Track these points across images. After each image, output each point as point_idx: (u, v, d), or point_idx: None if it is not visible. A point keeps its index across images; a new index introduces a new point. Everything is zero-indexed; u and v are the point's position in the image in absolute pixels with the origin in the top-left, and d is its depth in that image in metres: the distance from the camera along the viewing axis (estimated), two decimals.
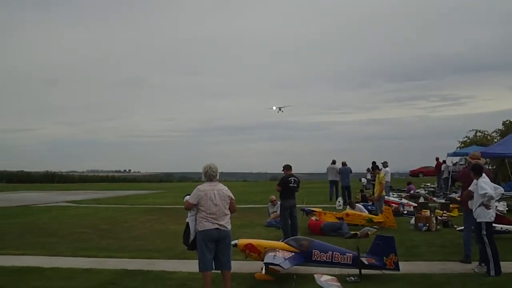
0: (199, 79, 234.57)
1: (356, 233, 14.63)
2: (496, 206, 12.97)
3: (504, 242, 12.02)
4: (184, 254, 11.25)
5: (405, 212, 20.37)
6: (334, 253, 9.86)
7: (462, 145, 39.44)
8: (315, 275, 7.95)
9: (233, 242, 9.40)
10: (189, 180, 71.98)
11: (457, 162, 33.99)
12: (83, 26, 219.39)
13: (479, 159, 11.08)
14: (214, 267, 8.44)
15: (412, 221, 16.48)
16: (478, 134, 39.85)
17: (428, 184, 35.93)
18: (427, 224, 15.64)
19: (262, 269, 9.59)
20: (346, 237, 14.36)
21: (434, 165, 35.75)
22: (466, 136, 40.63)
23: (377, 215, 17.43)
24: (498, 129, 38.39)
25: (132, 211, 24.54)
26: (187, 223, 8.67)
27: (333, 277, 8.17)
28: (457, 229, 13.72)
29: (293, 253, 9.88)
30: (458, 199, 19.27)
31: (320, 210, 17.88)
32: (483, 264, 9.97)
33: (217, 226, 8.28)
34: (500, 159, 30.26)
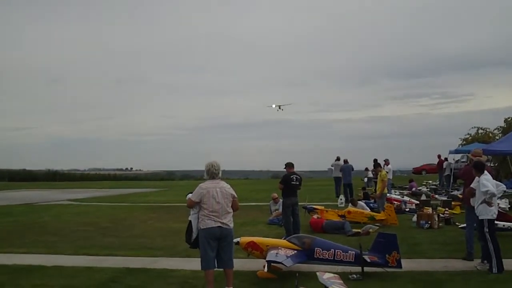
0: (201, 77, 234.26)
1: (359, 231, 14.64)
2: (498, 204, 12.93)
3: (506, 239, 12.01)
4: (186, 252, 11.26)
5: (407, 209, 20.36)
6: (337, 250, 9.84)
7: (464, 142, 39.44)
8: (317, 273, 7.92)
9: (235, 240, 9.40)
10: (191, 178, 72.01)
11: (458, 160, 33.93)
12: (84, 24, 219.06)
13: (481, 156, 11.07)
14: (216, 265, 8.45)
15: (414, 218, 16.47)
16: (480, 131, 39.87)
17: (430, 181, 35.87)
18: (429, 222, 15.62)
19: (264, 267, 9.57)
20: (348, 235, 14.35)
21: (436, 163, 35.70)
22: (468, 134, 40.68)
23: (379, 212, 17.41)
24: (500, 127, 38.43)
25: (134, 209, 24.58)
26: (190, 221, 8.66)
27: (335, 274, 8.14)
28: (459, 226, 13.70)
29: (295, 251, 9.86)
30: (460, 196, 19.24)
31: (322, 207, 17.87)
32: (485, 261, 9.96)
33: (219, 224, 8.29)
34: (502, 156, 30.25)
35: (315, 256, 9.86)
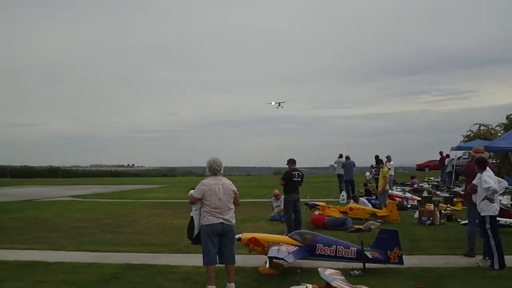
0: (203, 74, 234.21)
1: (360, 227, 14.64)
2: (500, 200, 12.92)
3: (508, 236, 12.02)
4: (188, 248, 11.28)
5: (408, 206, 20.35)
6: (338, 247, 9.85)
7: (466, 139, 39.40)
8: (319, 269, 7.92)
9: (237, 236, 9.40)
10: (192, 174, 72.01)
11: (460, 157, 33.91)
12: (86, 21, 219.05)
13: (483, 153, 11.04)
14: (218, 261, 8.45)
15: (416, 215, 16.47)
16: (482, 128, 39.81)
17: (432, 178, 35.89)
18: (431, 218, 15.62)
19: (266, 263, 9.59)
20: (350, 231, 14.35)
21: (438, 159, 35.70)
22: (470, 130, 40.65)
23: (381, 209, 17.42)
24: (502, 123, 38.40)
25: (136, 206, 24.60)
26: (192, 217, 8.67)
27: (337, 270, 8.15)
28: (461, 223, 13.70)
29: (297, 247, 9.86)
30: (462, 193, 19.24)
31: (324, 204, 17.87)
32: (487, 257, 9.94)
33: (221, 220, 8.29)
34: (504, 153, 30.23)
35: (316, 252, 9.86)
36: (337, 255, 9.78)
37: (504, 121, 38.08)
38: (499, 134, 35.23)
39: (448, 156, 32.64)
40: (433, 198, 20.07)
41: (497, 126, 39.12)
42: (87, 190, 36.76)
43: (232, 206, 8.53)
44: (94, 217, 19.53)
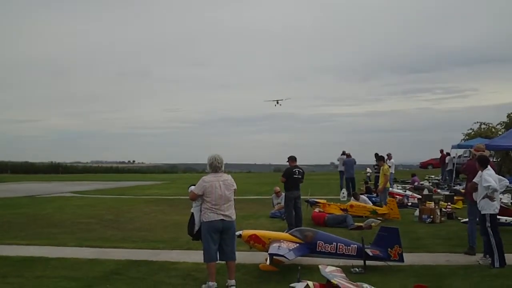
0: (203, 71, 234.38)
1: (361, 225, 14.65)
2: (501, 199, 12.94)
3: (508, 234, 12.00)
4: (189, 244, 11.31)
5: (409, 204, 20.34)
6: (339, 244, 9.86)
7: (467, 137, 39.38)
8: (319, 266, 7.93)
9: (237, 233, 9.43)
10: (193, 171, 72.04)
11: (461, 155, 33.90)
12: (87, 18, 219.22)
13: (484, 151, 11.05)
14: (218, 258, 8.47)
15: (417, 213, 16.48)
16: (483, 126, 39.80)
17: (433, 176, 35.88)
18: (431, 216, 15.63)
19: (266, 260, 9.61)
20: (350, 229, 14.37)
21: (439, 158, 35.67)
22: (471, 129, 40.61)
23: (381, 206, 17.42)
24: (503, 122, 38.43)
25: (136, 202, 24.62)
26: (192, 213, 8.69)
27: (338, 268, 8.16)
28: (462, 221, 13.70)
29: (297, 244, 9.88)
30: (463, 191, 19.25)
31: (325, 201, 17.87)
32: (487, 255, 9.96)
33: (222, 217, 8.32)
34: (504, 151, 30.27)
35: (317, 250, 9.88)
36: (338, 252, 9.80)
37: (505, 119, 38.10)
38: (500, 133, 35.24)
39: (448, 154, 32.61)
40: (434, 196, 20.07)
41: (498, 124, 39.15)
42: (88, 186, 36.75)
43: (233, 203, 8.55)
44: (95, 213, 19.55)
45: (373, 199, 19.86)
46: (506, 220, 13.18)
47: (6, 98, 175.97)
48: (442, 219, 15.81)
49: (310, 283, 7.12)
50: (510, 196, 19.24)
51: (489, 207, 9.79)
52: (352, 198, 18.91)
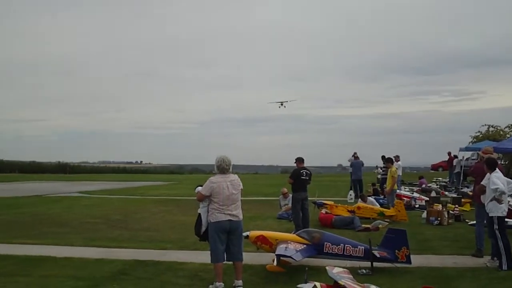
0: (211, 71, 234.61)
1: (368, 227, 14.63)
2: (509, 201, 12.88)
3: None
4: (196, 245, 11.31)
5: (416, 206, 20.30)
6: (346, 245, 9.85)
7: (475, 140, 39.22)
8: (327, 267, 7.94)
9: (244, 234, 9.43)
10: (200, 172, 72.09)
11: (469, 157, 33.78)
12: (96, 18, 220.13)
13: (492, 154, 11.02)
14: (225, 258, 8.47)
15: (424, 215, 16.44)
16: (491, 129, 39.64)
17: (440, 178, 35.77)
18: (439, 218, 15.59)
19: (273, 261, 9.59)
20: (358, 230, 14.34)
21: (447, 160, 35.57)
22: (479, 131, 40.44)
23: (388, 208, 17.39)
24: (511, 124, 38.22)
25: (144, 202, 24.68)
26: (199, 214, 8.69)
27: (345, 269, 8.16)
28: (469, 223, 13.67)
29: (304, 245, 9.87)
30: (470, 193, 19.19)
31: (332, 203, 17.86)
32: (495, 258, 9.93)
33: (229, 217, 8.32)
34: None
35: (324, 251, 9.86)
36: (345, 253, 9.78)
37: None
38: (508, 135, 35.08)
39: (456, 156, 32.50)
40: (441, 199, 20.03)
41: (506, 127, 38.97)
42: (95, 186, 36.84)
43: (240, 203, 8.55)
44: (102, 213, 19.60)
45: (381, 201, 19.83)
46: None
47: (14, 98, 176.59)
48: (450, 221, 15.77)
49: (318, 284, 7.11)
50: None
51: (497, 210, 9.76)
52: (360, 199, 18.90)
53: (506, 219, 10.33)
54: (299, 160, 14.43)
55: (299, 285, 7.17)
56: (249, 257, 9.89)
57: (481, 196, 10.39)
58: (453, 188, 28.16)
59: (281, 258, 9.47)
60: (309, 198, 14.67)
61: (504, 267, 9.48)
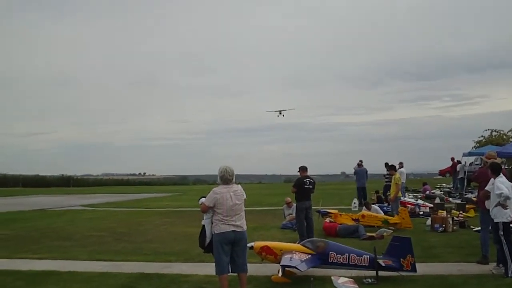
0: (212, 80, 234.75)
1: (373, 235, 14.59)
2: None
3: None
4: (200, 257, 11.29)
5: (421, 213, 20.27)
6: (351, 255, 9.81)
7: (478, 145, 39.21)
8: (332, 277, 7.94)
9: (249, 245, 9.40)
10: (204, 183, 72.06)
11: (472, 162, 33.73)
12: (98, 27, 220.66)
13: (495, 158, 11.00)
14: (230, 270, 8.44)
15: (428, 222, 16.40)
16: (494, 133, 39.62)
17: (444, 184, 35.71)
18: (444, 225, 15.54)
19: (278, 272, 9.57)
20: (362, 239, 14.30)
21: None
22: (482, 136, 40.42)
23: (393, 216, 17.36)
24: None
25: (148, 214, 24.68)
26: (203, 225, 8.67)
27: (350, 279, 8.15)
28: (474, 229, 13.62)
29: (309, 255, 9.84)
30: (475, 199, 19.14)
31: (336, 211, 17.83)
32: (500, 265, 9.87)
33: (233, 228, 8.29)
34: None
35: (329, 260, 9.82)
36: (350, 263, 9.74)
37: None
38: (511, 140, 35.06)
39: (459, 162, 32.46)
40: (446, 205, 19.96)
41: (509, 131, 38.98)
42: (99, 199, 36.88)
43: (244, 213, 8.53)
44: (107, 226, 19.59)
45: (385, 208, 19.79)
46: None
47: (16, 111, 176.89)
48: (454, 228, 15.71)
49: None
50: None
51: (502, 215, 9.71)
52: (364, 207, 18.86)
53: (511, 225, 10.29)
54: (303, 169, 14.42)
55: None
56: (254, 268, 9.86)
57: (486, 202, 10.35)
58: (457, 194, 28.10)
59: (286, 268, 9.44)
60: (313, 207, 14.64)
61: (510, 273, 9.41)
